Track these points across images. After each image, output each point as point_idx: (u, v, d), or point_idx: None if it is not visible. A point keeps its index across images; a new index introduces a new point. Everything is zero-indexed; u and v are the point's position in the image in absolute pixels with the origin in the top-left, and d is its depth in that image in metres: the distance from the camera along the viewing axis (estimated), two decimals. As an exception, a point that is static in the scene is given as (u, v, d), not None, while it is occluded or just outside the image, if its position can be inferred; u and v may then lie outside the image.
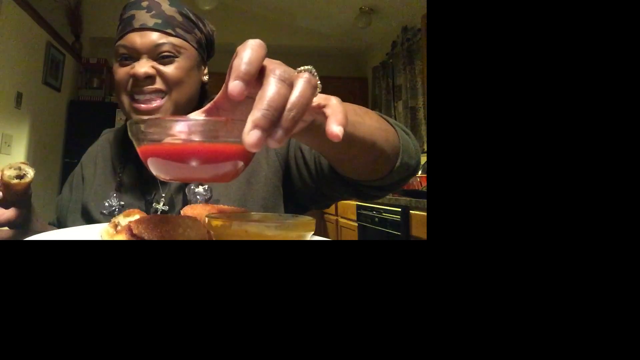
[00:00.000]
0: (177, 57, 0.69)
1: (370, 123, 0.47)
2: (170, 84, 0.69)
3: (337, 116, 0.32)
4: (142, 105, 0.67)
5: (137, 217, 0.43)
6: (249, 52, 0.30)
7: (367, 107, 0.58)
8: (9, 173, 0.55)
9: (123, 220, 0.44)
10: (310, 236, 0.44)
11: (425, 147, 2.98)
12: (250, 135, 0.27)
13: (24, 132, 2.66)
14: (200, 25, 0.75)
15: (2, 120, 2.40)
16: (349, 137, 0.41)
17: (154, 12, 0.69)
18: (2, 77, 2.35)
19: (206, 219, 0.42)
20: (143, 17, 0.68)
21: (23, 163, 0.57)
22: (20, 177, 0.56)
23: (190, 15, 0.73)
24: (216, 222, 0.40)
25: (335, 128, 0.31)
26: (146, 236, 0.37)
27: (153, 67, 0.67)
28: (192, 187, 0.68)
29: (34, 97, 2.71)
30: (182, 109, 0.71)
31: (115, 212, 0.69)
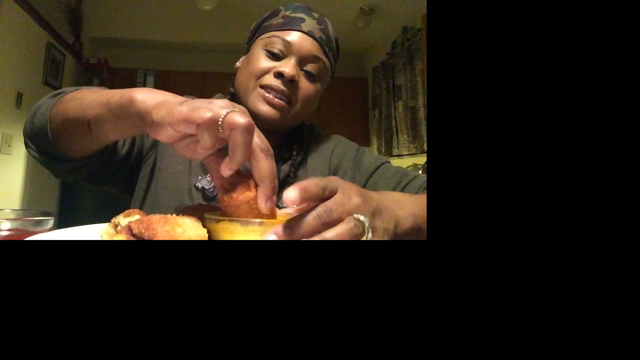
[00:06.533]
0: (319, 79, 0.70)
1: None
2: (300, 98, 0.69)
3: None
4: (276, 100, 0.66)
5: (137, 217, 0.43)
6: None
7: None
8: None
9: (123, 220, 0.44)
10: None
11: (425, 147, 2.98)
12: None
13: (24, 132, 2.66)
14: (337, 58, 0.76)
15: (2, 120, 2.40)
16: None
17: (322, 27, 0.70)
18: (2, 77, 2.35)
19: (206, 219, 0.42)
20: (313, 25, 0.69)
21: None
22: None
23: (337, 47, 0.75)
24: (216, 222, 0.40)
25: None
26: (146, 236, 0.37)
27: (299, 74, 0.68)
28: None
29: (35, 97, 2.71)
30: (289, 125, 0.72)
31: (211, 191, 0.68)
